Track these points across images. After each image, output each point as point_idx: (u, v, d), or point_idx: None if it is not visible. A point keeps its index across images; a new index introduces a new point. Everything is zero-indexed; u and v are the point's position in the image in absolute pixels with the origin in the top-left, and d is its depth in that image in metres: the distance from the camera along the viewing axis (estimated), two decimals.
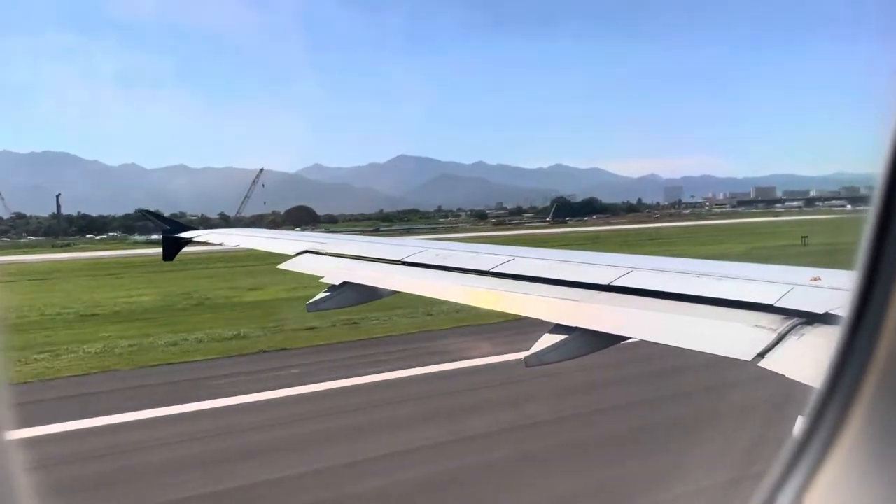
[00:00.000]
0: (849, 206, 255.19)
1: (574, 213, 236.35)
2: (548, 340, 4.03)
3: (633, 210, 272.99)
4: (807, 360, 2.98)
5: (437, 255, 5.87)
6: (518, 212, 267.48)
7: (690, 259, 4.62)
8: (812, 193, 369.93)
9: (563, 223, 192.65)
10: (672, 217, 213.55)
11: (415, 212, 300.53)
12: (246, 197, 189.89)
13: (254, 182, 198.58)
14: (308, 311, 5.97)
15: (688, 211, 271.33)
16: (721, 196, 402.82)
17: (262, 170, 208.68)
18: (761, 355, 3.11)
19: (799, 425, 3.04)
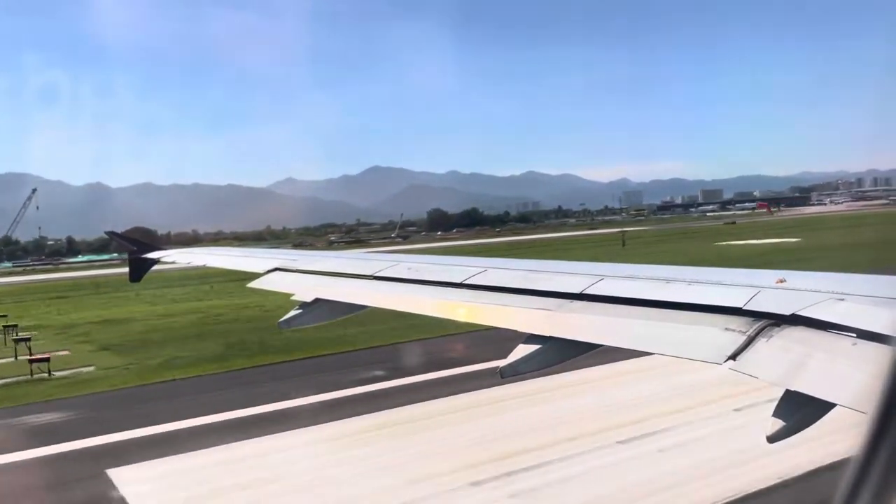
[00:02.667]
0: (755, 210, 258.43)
1: (454, 226, 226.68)
2: (522, 351, 4.03)
3: (523, 220, 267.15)
4: (777, 361, 3.02)
5: (410, 268, 5.84)
6: (406, 224, 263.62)
7: (659, 266, 4.67)
8: (755, 194, 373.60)
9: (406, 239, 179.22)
10: (541, 229, 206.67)
11: (331, 225, 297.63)
12: (15, 221, 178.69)
13: (25, 205, 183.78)
14: (280, 329, 5.88)
15: (573, 220, 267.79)
16: (679, 199, 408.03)
17: (34, 190, 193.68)
18: (733, 357, 3.14)
19: (773, 425, 3.08)
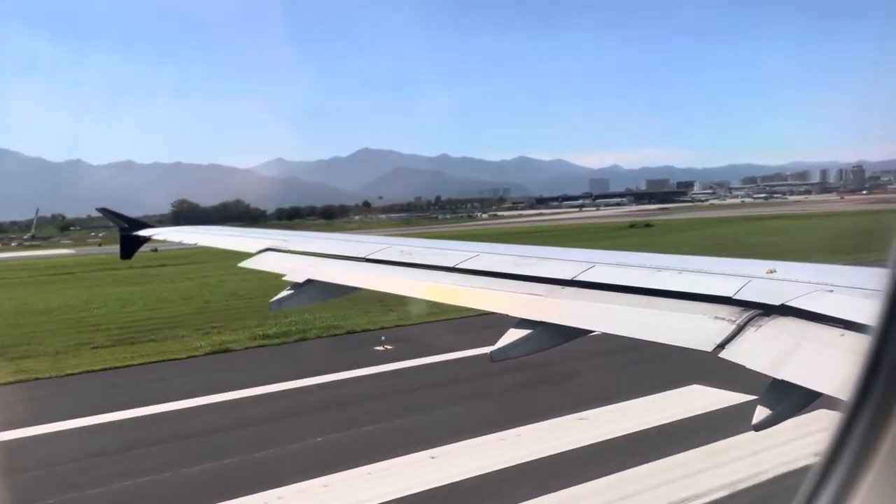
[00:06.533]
0: (628, 206, 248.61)
1: (201, 221, 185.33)
2: (513, 335, 4.07)
3: (329, 215, 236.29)
4: (765, 350, 3.08)
5: (402, 251, 5.86)
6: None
7: (650, 253, 4.71)
8: (696, 188, 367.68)
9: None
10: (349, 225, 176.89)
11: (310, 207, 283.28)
12: None
13: None
14: (271, 309, 5.89)
15: (383, 216, 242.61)
16: (642, 187, 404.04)
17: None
18: (721, 346, 3.19)
19: (759, 413, 3.15)
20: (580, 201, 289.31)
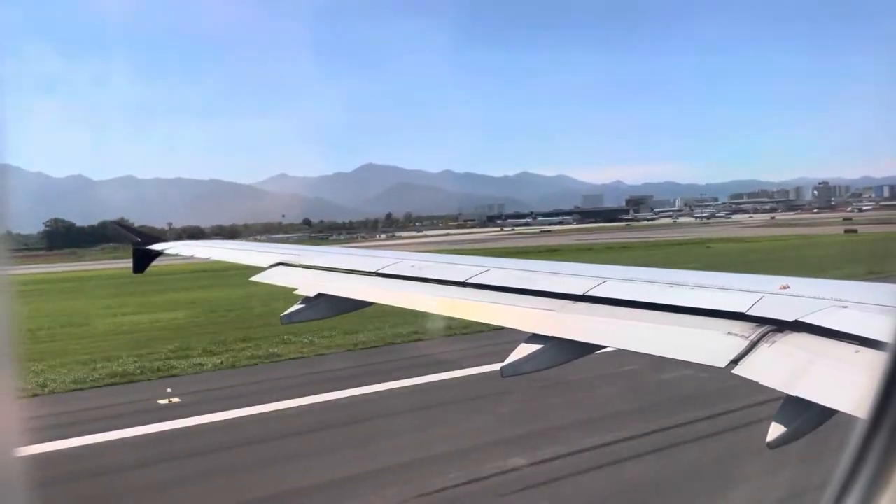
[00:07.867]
0: (571, 224, 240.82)
1: (77, 241, 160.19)
2: (524, 350, 4.06)
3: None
4: (779, 366, 3.08)
5: (413, 266, 5.89)
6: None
7: (663, 269, 4.72)
8: (677, 205, 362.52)
9: None
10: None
11: (307, 224, 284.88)
12: None
13: None
14: (283, 324, 5.91)
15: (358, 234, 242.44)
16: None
17: None
18: (735, 362, 3.19)
19: (773, 431, 3.14)
20: (525, 219, 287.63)
